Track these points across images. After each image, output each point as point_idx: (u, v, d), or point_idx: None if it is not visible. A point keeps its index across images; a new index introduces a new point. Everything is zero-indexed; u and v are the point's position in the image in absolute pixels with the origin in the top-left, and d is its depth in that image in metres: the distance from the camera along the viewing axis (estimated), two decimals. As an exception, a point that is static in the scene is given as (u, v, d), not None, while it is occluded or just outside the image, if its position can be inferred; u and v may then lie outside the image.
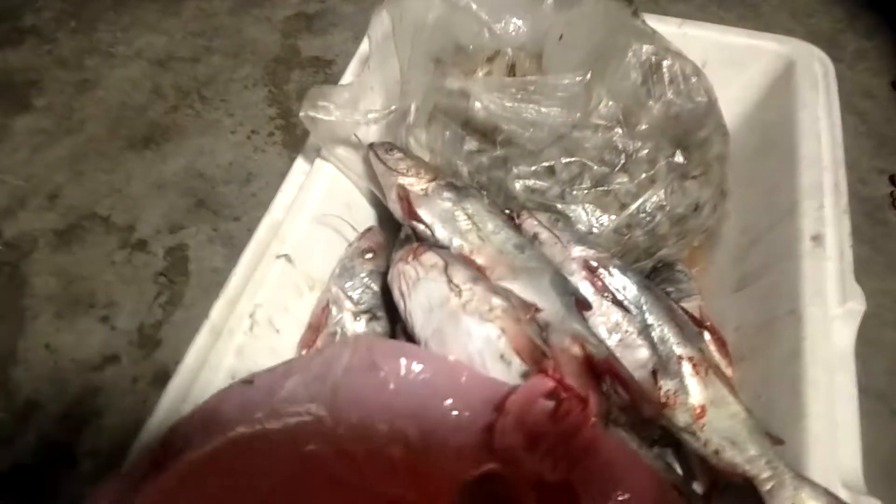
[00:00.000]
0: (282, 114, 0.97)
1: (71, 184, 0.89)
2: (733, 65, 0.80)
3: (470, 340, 0.50)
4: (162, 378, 0.73)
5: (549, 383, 0.44)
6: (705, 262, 0.74)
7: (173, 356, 0.75)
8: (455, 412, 0.44)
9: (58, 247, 0.84)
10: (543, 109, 0.63)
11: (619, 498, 0.42)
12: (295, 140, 0.94)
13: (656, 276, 0.69)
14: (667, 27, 0.77)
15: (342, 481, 0.36)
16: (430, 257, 0.55)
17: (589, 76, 0.63)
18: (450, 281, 0.53)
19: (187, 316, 0.78)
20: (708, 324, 0.63)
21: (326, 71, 1.02)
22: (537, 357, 0.48)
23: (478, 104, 0.67)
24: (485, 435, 0.42)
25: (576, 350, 0.49)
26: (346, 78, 0.76)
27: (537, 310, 0.52)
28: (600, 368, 0.49)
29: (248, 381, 0.47)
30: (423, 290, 0.54)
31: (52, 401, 0.72)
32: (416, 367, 0.46)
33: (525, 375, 0.48)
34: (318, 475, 0.36)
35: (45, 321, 0.78)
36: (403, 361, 0.46)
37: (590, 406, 0.43)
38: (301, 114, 0.64)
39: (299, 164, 0.70)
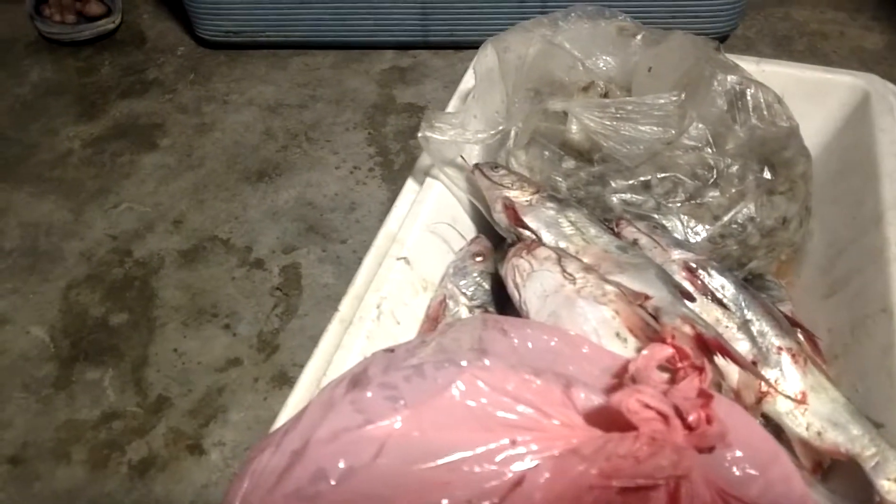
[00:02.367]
0: (380, 152, 1.06)
1: (193, 211, 0.99)
2: (811, 98, 0.85)
3: (586, 321, 0.55)
4: (279, 378, 0.80)
5: (668, 350, 0.48)
6: (792, 276, 0.78)
7: (290, 358, 0.81)
8: (577, 377, 0.48)
9: (183, 265, 0.92)
10: (641, 127, 0.69)
11: (735, 456, 0.45)
12: (393, 175, 1.02)
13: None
14: (746, 65, 0.83)
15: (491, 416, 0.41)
16: (543, 251, 0.60)
17: (683, 96, 0.69)
18: (563, 270, 0.58)
19: (302, 324, 0.84)
20: (800, 324, 0.66)
21: (419, 115, 1.11)
22: (650, 334, 0.53)
23: (576, 125, 0.74)
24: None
25: (687, 329, 0.53)
26: (450, 108, 0.84)
27: (647, 297, 0.57)
28: (710, 345, 0.53)
29: (390, 350, 0.52)
30: (538, 279, 0.59)
31: (182, 397, 0.79)
32: (542, 336, 0.51)
33: (640, 351, 0.52)
34: (471, 414, 0.41)
35: (173, 329, 0.85)
36: (529, 331, 0.51)
37: (706, 371, 0.46)
38: (419, 134, 0.72)
39: (410, 184, 0.77)
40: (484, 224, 0.77)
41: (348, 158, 1.05)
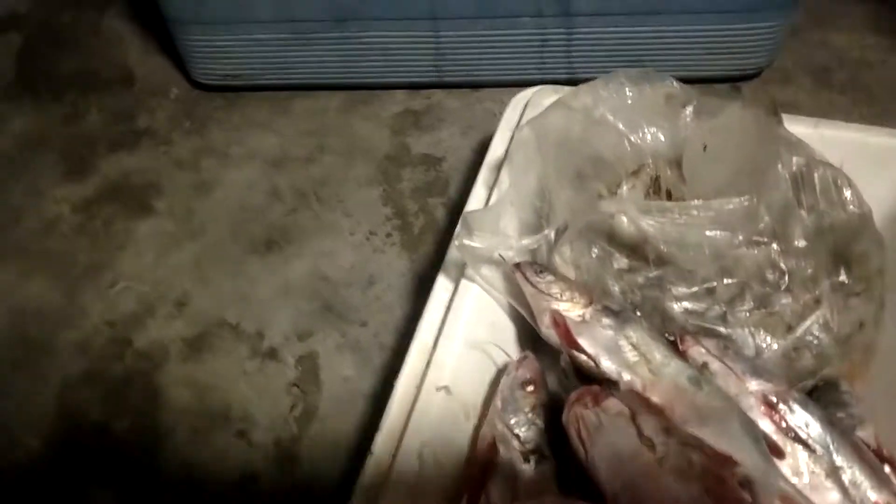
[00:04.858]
0: (397, 213, 0.98)
1: (197, 289, 0.90)
2: (874, 164, 0.77)
3: (671, 500, 0.48)
4: (301, 500, 0.72)
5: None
6: (865, 374, 0.71)
7: (312, 472, 0.74)
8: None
9: (189, 356, 0.84)
10: (708, 233, 0.62)
11: None
12: (413, 240, 0.94)
13: (820, 398, 0.66)
14: (804, 128, 0.76)
15: None
16: (613, 404, 0.53)
17: (756, 200, 0.61)
18: (640, 433, 0.51)
19: (323, 429, 0.77)
20: (887, 455, 0.60)
21: (437, 168, 1.03)
22: (747, 519, 0.46)
23: (629, 225, 0.66)
24: None
25: (787, 512, 0.47)
26: (478, 187, 0.77)
27: (735, 464, 0.50)
28: (817, 534, 0.46)
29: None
30: (609, 439, 0.52)
31: (197, 522, 0.72)
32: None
33: (735, 539, 0.46)
34: None
35: (181, 436, 0.78)
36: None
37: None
38: (456, 243, 0.64)
39: (441, 281, 0.69)
40: (525, 328, 0.69)
41: (363, 221, 0.97)
